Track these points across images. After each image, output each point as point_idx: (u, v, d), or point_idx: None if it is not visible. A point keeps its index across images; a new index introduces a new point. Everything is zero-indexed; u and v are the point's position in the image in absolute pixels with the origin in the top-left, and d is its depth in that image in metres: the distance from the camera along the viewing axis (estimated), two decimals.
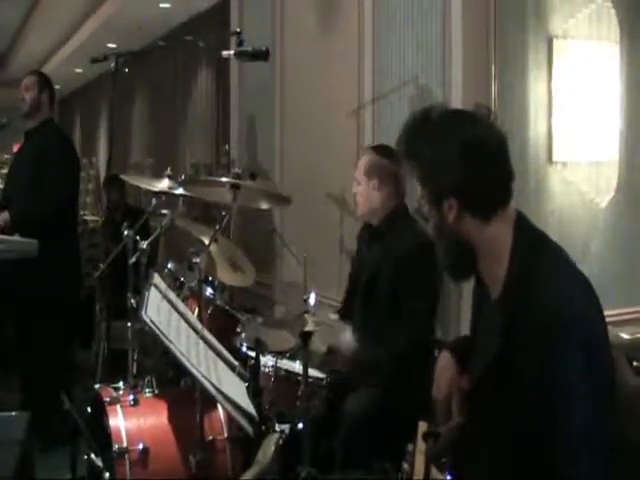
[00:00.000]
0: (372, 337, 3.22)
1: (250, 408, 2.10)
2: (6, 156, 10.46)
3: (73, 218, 5.04)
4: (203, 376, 2.01)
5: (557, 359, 1.66)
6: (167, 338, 2.07)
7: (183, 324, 2.42)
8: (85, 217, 8.70)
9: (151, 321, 2.08)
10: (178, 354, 2.04)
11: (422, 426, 1.79)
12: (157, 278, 2.59)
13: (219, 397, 1.98)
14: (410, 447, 1.77)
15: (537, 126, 3.64)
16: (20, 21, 11.42)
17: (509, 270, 1.79)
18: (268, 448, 1.59)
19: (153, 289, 2.41)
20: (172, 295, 2.60)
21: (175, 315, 2.41)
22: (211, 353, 2.42)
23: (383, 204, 3.36)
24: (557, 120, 3.67)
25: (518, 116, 3.60)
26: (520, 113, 3.61)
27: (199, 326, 2.56)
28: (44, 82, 4.86)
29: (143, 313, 2.12)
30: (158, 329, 2.07)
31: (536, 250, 1.81)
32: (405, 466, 1.73)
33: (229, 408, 1.98)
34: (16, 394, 4.82)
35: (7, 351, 4.94)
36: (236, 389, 2.24)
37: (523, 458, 1.71)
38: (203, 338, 2.45)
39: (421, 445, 1.73)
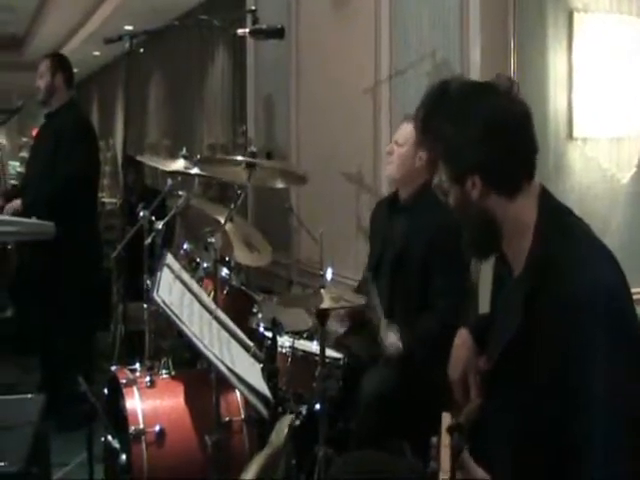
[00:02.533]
0: (401, 316, 3.17)
1: (264, 389, 2.07)
2: (24, 139, 10.51)
3: (93, 200, 5.03)
4: (216, 357, 1.99)
5: (582, 334, 1.61)
6: (179, 319, 2.04)
7: (196, 305, 2.38)
8: (102, 199, 8.71)
9: (162, 301, 2.05)
10: (190, 335, 2.02)
11: (446, 418, 1.74)
12: (170, 258, 2.56)
13: (232, 378, 1.95)
14: (434, 440, 1.72)
15: (557, 101, 3.58)
16: (37, 4, 11.40)
17: (532, 246, 1.74)
18: (281, 429, 1.56)
19: (166, 269, 2.38)
20: (185, 275, 2.57)
21: (188, 295, 2.38)
22: (225, 334, 2.39)
23: (418, 176, 3.24)
24: (577, 95, 3.61)
25: (537, 91, 3.54)
26: (539, 88, 3.55)
27: (213, 306, 2.53)
28: (57, 65, 4.78)
29: (155, 293, 2.09)
30: (170, 309, 2.04)
31: (560, 225, 1.76)
32: (432, 464, 1.68)
33: (242, 389, 1.95)
34: (36, 375, 4.86)
35: (28, 333, 4.97)
36: (250, 370, 2.21)
37: (544, 437, 1.66)
38: (217, 319, 2.42)
39: (445, 439, 1.68)
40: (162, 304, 2.05)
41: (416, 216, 3.24)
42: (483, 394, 1.92)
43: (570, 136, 3.63)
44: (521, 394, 1.73)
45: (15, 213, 4.46)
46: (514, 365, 1.74)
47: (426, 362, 2.95)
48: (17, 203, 4.54)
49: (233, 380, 1.96)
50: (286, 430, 1.57)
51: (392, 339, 3.11)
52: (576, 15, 3.59)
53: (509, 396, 1.77)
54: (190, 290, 2.44)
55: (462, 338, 2.04)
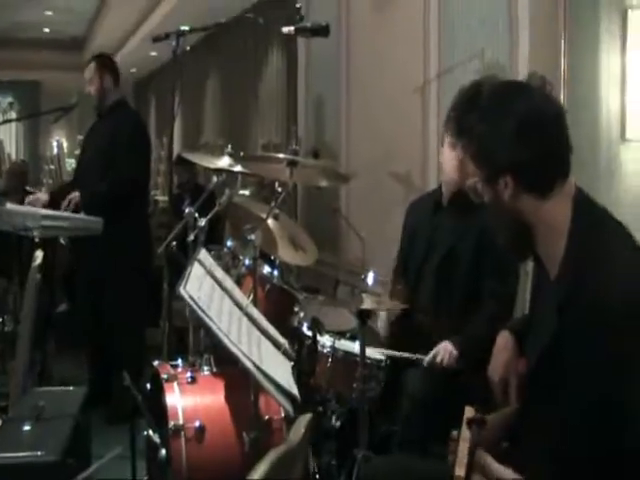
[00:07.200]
0: (446, 317, 3.15)
1: (292, 388, 2.05)
2: (79, 137, 10.69)
3: (144, 198, 5.10)
4: (242, 353, 1.98)
5: (622, 343, 1.57)
6: (205, 314, 2.04)
7: (227, 300, 2.37)
8: (156, 197, 8.80)
9: (189, 296, 2.05)
10: (216, 330, 2.01)
11: (468, 412, 1.72)
12: (203, 254, 2.56)
13: (258, 375, 1.95)
14: (454, 434, 1.69)
15: (609, 102, 3.51)
16: (96, 6, 11.60)
17: (567, 249, 1.71)
18: (299, 428, 1.55)
19: (196, 264, 2.38)
20: (218, 271, 2.56)
21: (218, 291, 2.37)
22: (255, 331, 2.38)
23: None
24: (631, 96, 3.53)
25: (589, 91, 3.48)
26: (591, 88, 3.49)
27: (245, 303, 2.52)
28: (103, 66, 4.84)
29: (182, 288, 2.09)
30: (197, 305, 2.04)
31: (596, 228, 1.72)
32: (449, 458, 1.66)
33: (268, 387, 1.95)
34: (85, 370, 4.94)
35: (81, 327, 5.04)
36: (279, 368, 2.19)
37: (584, 441, 1.62)
38: (247, 315, 2.42)
39: (465, 432, 1.66)
40: (188, 299, 2.05)
41: (463, 216, 3.19)
42: (521, 397, 1.89)
43: (622, 138, 3.55)
44: (559, 399, 1.69)
45: (73, 206, 4.50)
46: (551, 370, 1.70)
47: (475, 365, 2.92)
48: (76, 195, 4.57)
49: (259, 377, 1.95)
50: (303, 430, 1.55)
51: (444, 347, 3.08)
52: (630, 13, 3.50)
53: (548, 401, 1.73)
54: (221, 286, 2.43)
55: (504, 340, 2.02)
